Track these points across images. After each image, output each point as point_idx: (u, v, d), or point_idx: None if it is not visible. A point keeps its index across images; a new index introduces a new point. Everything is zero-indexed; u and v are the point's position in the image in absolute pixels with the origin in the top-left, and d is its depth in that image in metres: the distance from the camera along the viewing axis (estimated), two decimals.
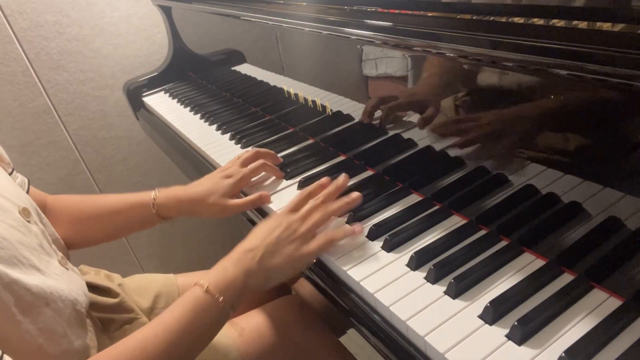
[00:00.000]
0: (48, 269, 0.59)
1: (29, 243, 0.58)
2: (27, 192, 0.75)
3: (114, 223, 0.79)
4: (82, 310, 0.63)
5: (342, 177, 0.68)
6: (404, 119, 0.72)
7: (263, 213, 0.78)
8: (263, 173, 0.84)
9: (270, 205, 0.77)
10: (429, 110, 0.67)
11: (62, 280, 0.60)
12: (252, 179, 0.82)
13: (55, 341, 0.57)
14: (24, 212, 0.61)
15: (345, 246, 0.62)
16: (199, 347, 0.57)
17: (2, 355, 0.49)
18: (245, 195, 0.79)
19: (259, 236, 0.61)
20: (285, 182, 0.82)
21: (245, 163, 0.81)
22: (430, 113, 0.67)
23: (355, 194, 0.65)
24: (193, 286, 0.57)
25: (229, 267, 0.58)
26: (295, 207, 0.65)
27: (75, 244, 0.76)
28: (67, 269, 0.64)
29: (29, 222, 0.61)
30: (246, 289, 0.58)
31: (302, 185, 0.79)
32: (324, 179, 0.69)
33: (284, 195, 0.79)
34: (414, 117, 0.70)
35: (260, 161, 0.81)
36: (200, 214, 0.78)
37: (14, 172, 0.74)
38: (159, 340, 0.52)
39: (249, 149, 0.96)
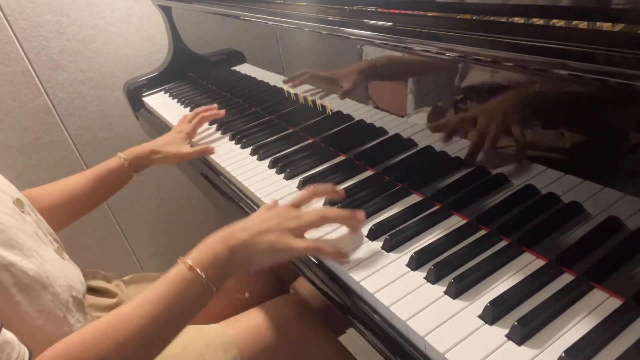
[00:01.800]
0: (44, 255, 0.60)
1: (25, 230, 0.59)
2: None
3: (92, 195, 0.88)
4: (79, 296, 0.63)
5: (360, 215, 0.66)
6: (406, 119, 0.72)
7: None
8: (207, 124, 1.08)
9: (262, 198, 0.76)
10: (429, 109, 0.67)
11: (58, 267, 0.61)
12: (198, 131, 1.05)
13: (56, 324, 0.58)
14: (18, 203, 0.62)
15: (345, 246, 0.62)
16: (182, 323, 0.58)
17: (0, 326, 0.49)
18: None
19: (253, 219, 0.63)
20: (285, 182, 0.82)
21: (190, 120, 1.04)
22: (431, 113, 0.67)
23: (360, 213, 0.64)
24: (177, 263, 0.57)
25: (213, 245, 0.59)
26: (296, 203, 0.66)
27: (56, 225, 0.77)
28: (63, 258, 0.65)
29: (23, 211, 0.62)
30: (229, 267, 0.58)
31: (302, 185, 0.79)
32: (334, 187, 0.70)
33: (283, 193, 0.79)
34: (415, 118, 0.70)
35: (200, 115, 1.05)
36: (159, 161, 0.95)
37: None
38: (144, 314, 0.53)
39: (249, 149, 0.96)
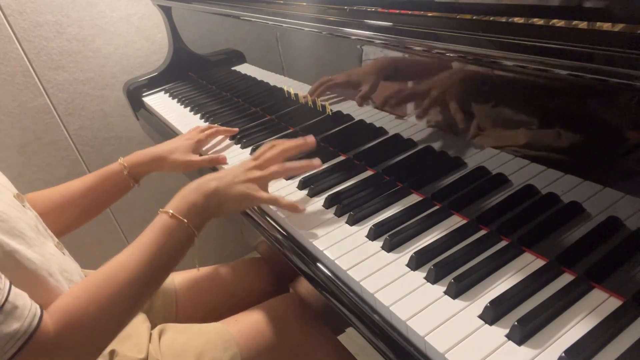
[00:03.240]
0: (45, 247, 0.60)
1: (27, 221, 0.59)
2: None
3: (87, 202, 0.85)
4: None
5: (310, 139, 0.77)
6: (405, 118, 0.72)
7: (262, 213, 0.78)
8: (219, 138, 1.02)
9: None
10: (430, 108, 0.67)
11: (58, 260, 0.62)
12: (211, 143, 1.00)
13: None
14: (18, 197, 0.63)
15: (345, 246, 0.62)
16: (171, 266, 0.63)
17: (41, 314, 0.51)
18: None
19: (222, 172, 0.71)
20: (285, 182, 0.82)
21: (203, 130, 0.98)
22: (432, 112, 0.67)
23: (316, 160, 0.74)
24: (158, 214, 0.63)
25: (188, 193, 0.66)
26: (257, 156, 0.74)
27: (56, 231, 0.76)
28: (63, 253, 0.66)
29: (24, 206, 0.62)
30: (205, 212, 0.66)
31: (302, 185, 0.79)
32: (296, 140, 0.77)
33: (283, 193, 0.79)
34: (414, 117, 0.70)
35: (214, 128, 0.99)
36: (165, 168, 0.91)
37: None
38: (138, 261, 0.58)
39: (249, 148, 0.96)
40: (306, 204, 0.73)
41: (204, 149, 1.00)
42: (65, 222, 0.82)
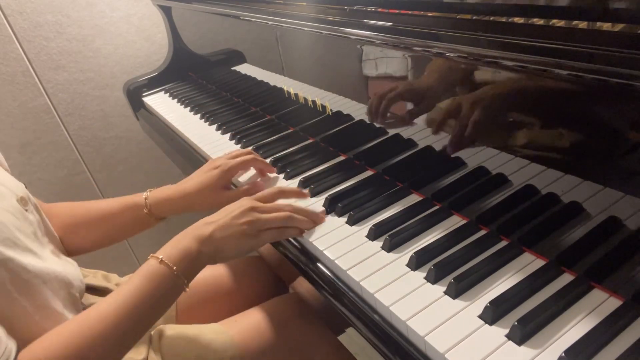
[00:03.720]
0: (42, 254, 0.60)
1: (24, 229, 0.59)
2: None
3: (106, 227, 0.79)
4: (76, 294, 0.64)
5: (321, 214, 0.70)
6: (404, 118, 0.72)
7: None
8: (254, 171, 0.86)
9: None
10: (430, 109, 0.67)
11: (55, 264, 0.61)
12: (244, 175, 0.85)
13: (53, 319, 0.58)
14: (22, 201, 0.62)
15: (345, 246, 0.62)
16: (155, 316, 0.60)
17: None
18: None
19: (221, 213, 0.64)
20: (285, 182, 0.82)
21: (234, 156, 0.82)
22: (430, 112, 0.67)
23: (323, 215, 0.69)
24: (148, 259, 0.60)
25: (181, 239, 0.61)
26: (263, 199, 0.69)
27: (70, 250, 0.76)
28: (59, 258, 0.65)
29: (26, 210, 0.62)
30: (198, 260, 0.61)
31: (302, 185, 0.79)
32: (304, 191, 0.74)
33: None
34: (414, 117, 0.70)
35: (250, 156, 0.82)
36: (194, 208, 0.78)
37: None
38: (119, 310, 0.55)
39: (249, 149, 0.96)
40: (306, 204, 0.73)
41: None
42: (81, 243, 0.78)
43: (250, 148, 0.95)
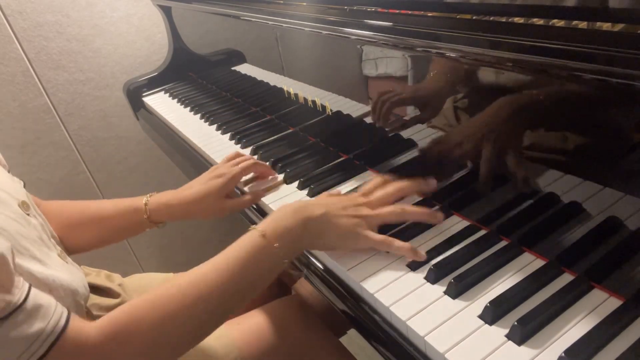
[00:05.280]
0: (48, 260, 0.59)
1: (29, 235, 0.58)
2: None
3: (104, 229, 0.78)
4: (81, 302, 0.63)
5: (432, 183, 0.66)
6: (404, 118, 0.72)
7: (263, 213, 0.78)
8: (253, 175, 0.84)
9: (270, 205, 0.77)
10: (429, 110, 0.67)
11: (62, 271, 0.61)
12: (245, 178, 0.82)
13: None
14: (23, 205, 0.61)
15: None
16: (251, 291, 0.56)
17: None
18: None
19: (328, 199, 0.62)
20: (284, 183, 0.82)
21: (236, 162, 0.81)
22: (431, 113, 0.67)
23: (440, 213, 0.62)
24: (250, 230, 0.56)
25: (284, 216, 0.57)
26: (367, 192, 0.65)
27: (67, 248, 0.76)
28: (66, 262, 0.65)
29: (28, 215, 0.61)
30: (300, 241, 0.58)
31: (302, 185, 0.79)
32: (415, 182, 0.67)
33: (282, 193, 0.79)
34: (415, 118, 0.70)
35: (251, 161, 0.81)
36: (195, 216, 0.77)
37: (9, 173, 0.75)
38: (211, 281, 0.52)
39: (249, 149, 0.96)
40: None
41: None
42: (77, 242, 0.77)
43: (250, 148, 0.95)
